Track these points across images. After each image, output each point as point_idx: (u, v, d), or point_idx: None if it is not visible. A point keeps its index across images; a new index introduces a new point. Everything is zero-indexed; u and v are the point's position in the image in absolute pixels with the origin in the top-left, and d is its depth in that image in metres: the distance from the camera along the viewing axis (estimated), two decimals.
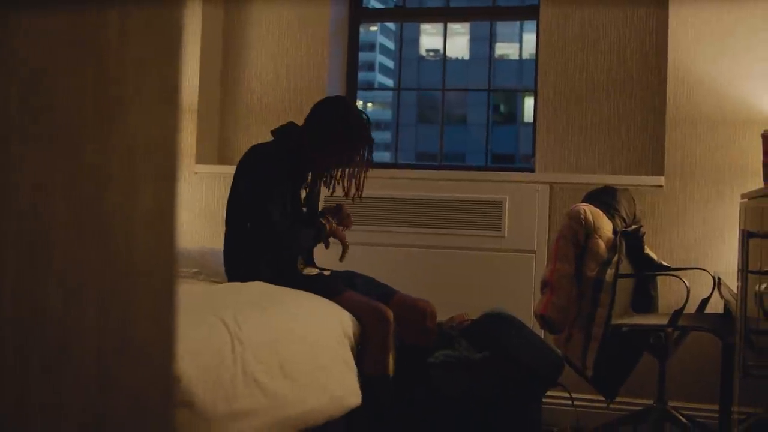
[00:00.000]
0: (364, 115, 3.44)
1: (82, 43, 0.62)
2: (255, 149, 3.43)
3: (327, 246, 3.48)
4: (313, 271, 3.48)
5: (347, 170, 3.39)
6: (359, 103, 5.29)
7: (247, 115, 4.77)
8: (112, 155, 0.64)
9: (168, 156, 0.69)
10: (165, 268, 0.69)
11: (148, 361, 0.68)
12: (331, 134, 3.34)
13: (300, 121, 3.50)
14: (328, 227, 3.42)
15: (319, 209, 3.57)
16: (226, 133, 4.80)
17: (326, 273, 3.49)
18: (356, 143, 3.36)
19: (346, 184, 3.39)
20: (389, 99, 28.08)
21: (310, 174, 3.45)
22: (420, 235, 4.33)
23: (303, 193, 3.46)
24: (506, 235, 4.24)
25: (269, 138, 3.51)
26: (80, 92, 0.62)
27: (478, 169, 4.71)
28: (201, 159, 4.67)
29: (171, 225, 0.69)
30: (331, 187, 3.48)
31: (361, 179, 3.40)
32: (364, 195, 3.46)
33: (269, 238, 3.26)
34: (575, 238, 3.46)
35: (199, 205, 4.67)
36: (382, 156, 22.85)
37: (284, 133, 3.46)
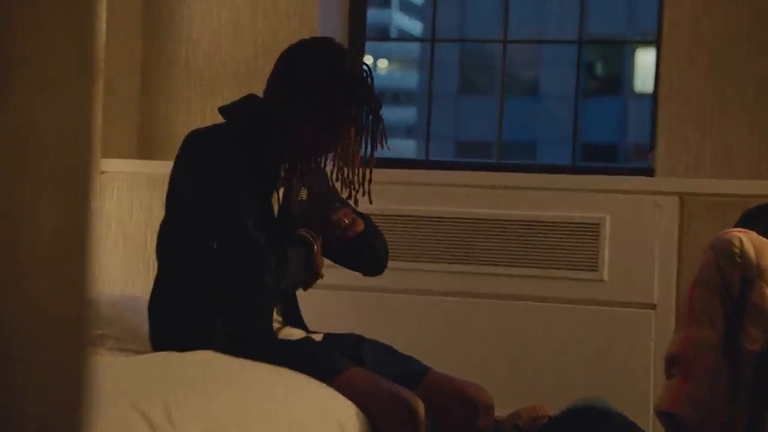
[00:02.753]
0: (364, 66, 2.89)
1: None
2: (197, 136, 2.93)
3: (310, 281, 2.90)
4: (297, 334, 2.92)
5: (339, 160, 2.89)
6: (368, 60, 4.77)
7: (186, 84, 4.14)
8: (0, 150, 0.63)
9: (79, 153, 0.65)
10: (74, 330, 0.66)
11: None
12: (307, 98, 2.81)
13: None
14: (315, 246, 2.82)
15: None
16: (150, 113, 4.18)
17: (317, 337, 2.94)
18: (348, 109, 2.79)
19: (343, 177, 2.86)
20: (415, 55, 25.35)
21: (282, 168, 2.89)
22: (464, 275, 3.80)
23: (276, 199, 2.89)
24: (606, 277, 3.71)
25: (218, 119, 2.99)
26: None
27: (561, 170, 4.16)
28: (110, 151, 3.95)
29: (82, 259, 0.65)
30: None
31: (366, 171, 2.86)
32: (372, 206, 2.86)
33: (245, 267, 2.72)
34: (725, 285, 2.95)
35: (107, 222, 4.04)
36: (403, 145, 19.00)
37: (239, 111, 2.96)
